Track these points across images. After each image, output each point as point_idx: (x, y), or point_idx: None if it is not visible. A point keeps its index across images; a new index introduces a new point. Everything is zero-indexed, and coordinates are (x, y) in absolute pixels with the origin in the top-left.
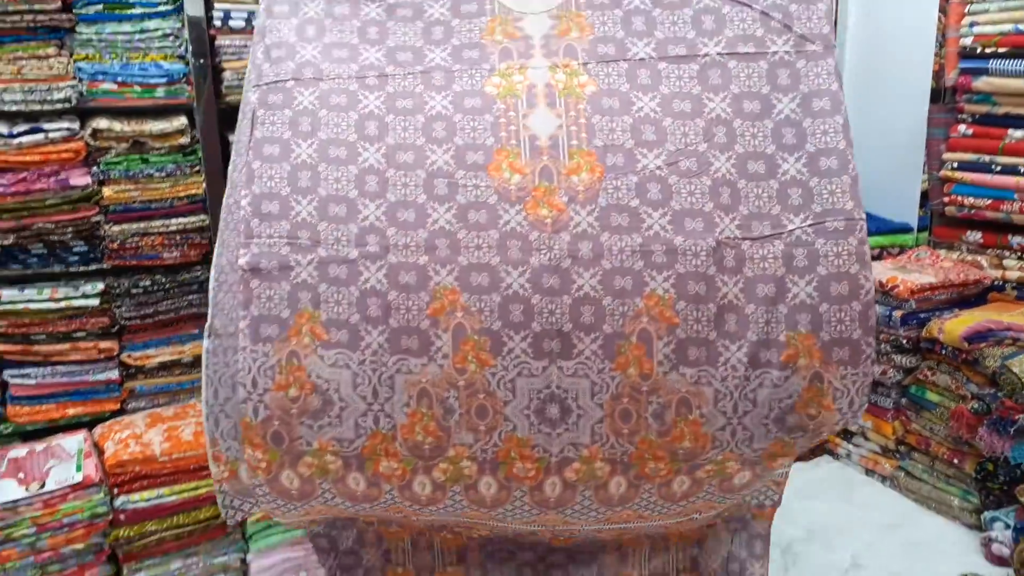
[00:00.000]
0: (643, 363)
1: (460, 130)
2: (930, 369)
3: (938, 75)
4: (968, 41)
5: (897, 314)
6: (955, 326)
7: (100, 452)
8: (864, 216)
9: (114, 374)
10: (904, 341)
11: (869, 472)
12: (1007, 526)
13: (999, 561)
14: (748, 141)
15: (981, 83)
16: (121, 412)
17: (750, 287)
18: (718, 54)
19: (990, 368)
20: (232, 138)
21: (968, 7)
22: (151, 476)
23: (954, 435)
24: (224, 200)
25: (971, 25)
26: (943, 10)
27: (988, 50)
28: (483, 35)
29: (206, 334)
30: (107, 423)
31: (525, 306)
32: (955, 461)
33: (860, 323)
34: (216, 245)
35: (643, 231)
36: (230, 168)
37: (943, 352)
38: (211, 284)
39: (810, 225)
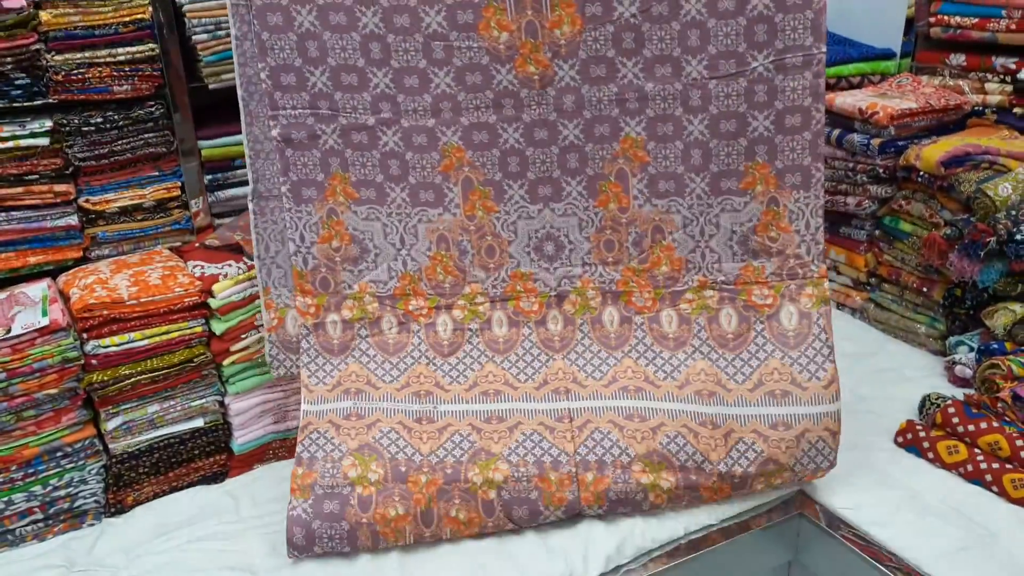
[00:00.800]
0: (621, 198)
1: None
2: (905, 199)
3: None
4: None
5: (875, 142)
6: (933, 152)
7: (66, 298)
8: (823, 49)
9: (73, 220)
10: (881, 171)
11: (840, 306)
12: (971, 349)
13: (961, 383)
14: None
15: None
16: (84, 261)
17: (714, 124)
18: None
19: (965, 193)
20: None
21: None
22: (120, 320)
23: (925, 263)
24: (238, 67)
25: None
26: None
27: None
28: None
29: (250, 198)
30: (71, 271)
31: (520, 158)
32: (924, 290)
33: (811, 151)
34: (242, 115)
35: (618, 80)
36: (232, 28)
37: (919, 180)
38: (247, 153)
39: (771, 62)
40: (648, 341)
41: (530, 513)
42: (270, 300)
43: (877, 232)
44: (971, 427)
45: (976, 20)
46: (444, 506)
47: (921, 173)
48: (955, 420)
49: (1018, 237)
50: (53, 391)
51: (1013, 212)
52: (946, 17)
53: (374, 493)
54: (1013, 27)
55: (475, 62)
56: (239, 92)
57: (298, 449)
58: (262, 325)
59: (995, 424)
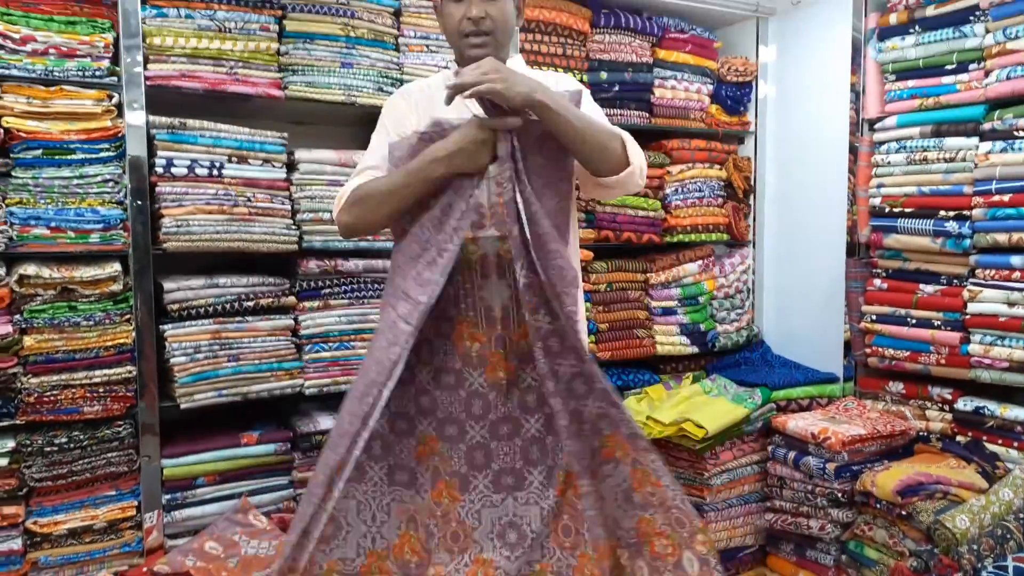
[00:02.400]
0: (576, 487)
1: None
2: (867, 524)
3: (852, 230)
4: (876, 201)
5: (831, 467)
6: (887, 480)
7: None
8: None
9: (16, 544)
10: (839, 494)
11: None
12: None
13: None
14: None
15: (891, 240)
16: None
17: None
18: None
19: (924, 523)
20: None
21: (874, 169)
22: None
23: None
24: None
25: (878, 186)
26: (852, 171)
27: (895, 209)
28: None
29: None
30: None
31: (485, 451)
32: None
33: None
34: None
35: None
36: None
37: (878, 506)
38: None
39: None
40: None
41: None
42: None
43: (843, 557)
44: None
45: (908, 353)
46: None
47: (879, 500)
48: None
49: (984, 574)
50: None
51: (975, 547)
52: (880, 349)
53: None
54: (943, 361)
55: (450, 367)
56: None
57: None
58: None
59: None
